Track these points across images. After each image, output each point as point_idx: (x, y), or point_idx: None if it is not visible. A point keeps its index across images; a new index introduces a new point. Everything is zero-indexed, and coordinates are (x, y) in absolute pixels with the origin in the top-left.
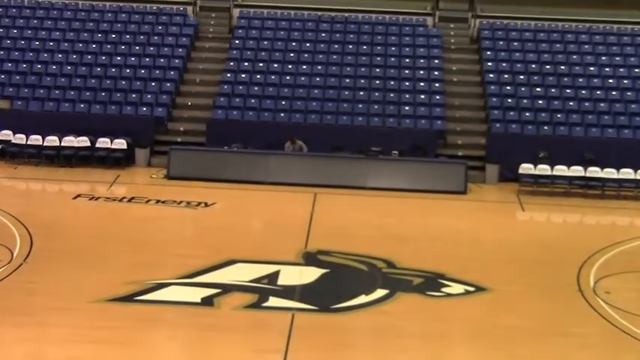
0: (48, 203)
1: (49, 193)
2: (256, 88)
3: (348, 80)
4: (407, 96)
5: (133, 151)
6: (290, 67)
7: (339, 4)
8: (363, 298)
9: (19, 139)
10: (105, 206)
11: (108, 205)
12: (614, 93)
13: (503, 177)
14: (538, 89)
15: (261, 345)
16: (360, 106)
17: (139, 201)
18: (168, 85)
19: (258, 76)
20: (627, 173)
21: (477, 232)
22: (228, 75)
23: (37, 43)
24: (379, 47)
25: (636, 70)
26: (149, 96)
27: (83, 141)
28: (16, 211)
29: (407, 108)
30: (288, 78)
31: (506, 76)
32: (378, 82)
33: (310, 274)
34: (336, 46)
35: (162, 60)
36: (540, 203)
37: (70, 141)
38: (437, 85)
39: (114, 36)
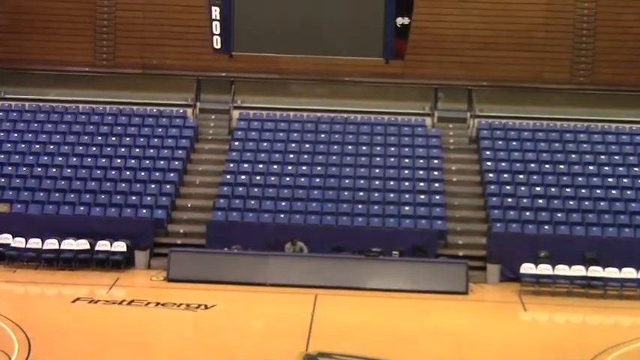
0: (47, 307)
1: (47, 297)
2: (256, 190)
3: (347, 181)
4: (407, 196)
5: (133, 253)
6: (289, 168)
7: (338, 105)
8: None
9: (19, 242)
10: (104, 309)
11: (107, 309)
12: (613, 192)
13: (505, 277)
14: (538, 188)
15: None
16: (360, 206)
17: (138, 304)
18: (168, 187)
19: (258, 178)
20: (629, 272)
21: (479, 333)
22: (228, 176)
23: (37, 146)
24: (378, 148)
25: (635, 168)
26: (149, 198)
27: (83, 244)
28: (15, 316)
29: (407, 208)
30: (287, 179)
31: (505, 175)
32: (377, 182)
33: None
34: (335, 147)
35: (161, 162)
36: (542, 303)
37: (69, 244)
38: (437, 185)
39: (114, 138)
